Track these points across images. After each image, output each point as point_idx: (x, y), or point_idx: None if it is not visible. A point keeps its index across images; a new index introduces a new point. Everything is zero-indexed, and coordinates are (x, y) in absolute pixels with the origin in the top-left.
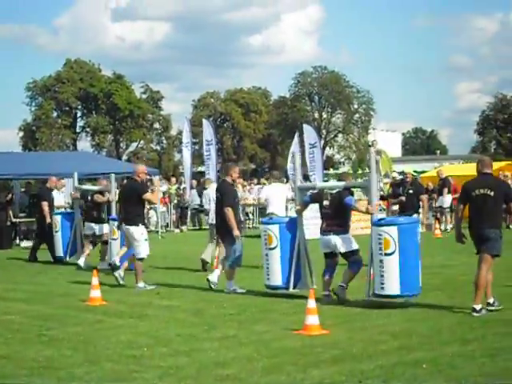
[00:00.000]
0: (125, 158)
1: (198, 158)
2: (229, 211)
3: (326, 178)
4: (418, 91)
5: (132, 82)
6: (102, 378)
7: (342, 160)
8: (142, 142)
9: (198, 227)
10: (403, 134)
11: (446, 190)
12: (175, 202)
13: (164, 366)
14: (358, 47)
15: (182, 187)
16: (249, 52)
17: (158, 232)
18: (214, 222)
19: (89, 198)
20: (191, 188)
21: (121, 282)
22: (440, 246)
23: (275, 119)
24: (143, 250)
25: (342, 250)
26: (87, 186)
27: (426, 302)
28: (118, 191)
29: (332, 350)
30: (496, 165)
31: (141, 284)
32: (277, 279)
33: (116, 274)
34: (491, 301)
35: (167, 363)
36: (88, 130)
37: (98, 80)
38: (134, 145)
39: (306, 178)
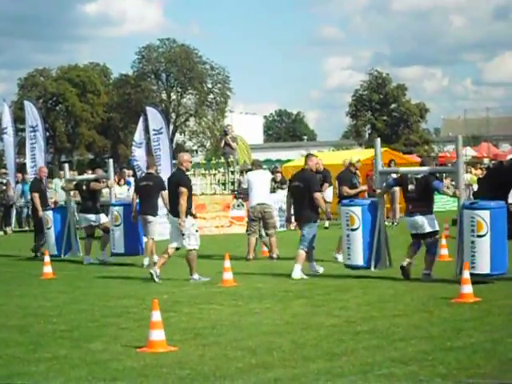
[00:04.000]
0: None
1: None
2: (319, 196)
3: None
4: (282, 69)
5: None
6: None
7: (195, 148)
8: None
9: (25, 228)
10: (265, 117)
11: (326, 184)
12: None
13: None
14: (211, 18)
15: (4, 181)
16: (84, 23)
17: None
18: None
19: (84, 187)
20: (16, 182)
21: (157, 281)
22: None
23: (116, 101)
24: (195, 240)
25: (427, 229)
26: (82, 176)
27: (288, 312)
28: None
29: (180, 369)
30: (370, 152)
31: (195, 276)
32: (358, 259)
33: (152, 271)
34: None
35: None
36: None
37: None
38: None
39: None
